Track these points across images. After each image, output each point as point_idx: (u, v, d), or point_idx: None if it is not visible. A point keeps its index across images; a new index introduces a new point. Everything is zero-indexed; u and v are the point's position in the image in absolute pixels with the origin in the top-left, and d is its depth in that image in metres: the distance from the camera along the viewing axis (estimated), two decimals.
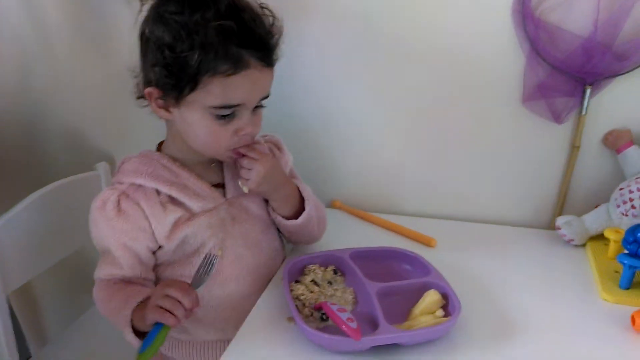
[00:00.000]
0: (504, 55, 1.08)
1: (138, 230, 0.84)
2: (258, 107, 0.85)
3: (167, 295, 0.73)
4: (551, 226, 1.15)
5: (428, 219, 1.20)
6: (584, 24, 1.02)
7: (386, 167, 1.23)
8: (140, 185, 0.85)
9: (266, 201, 0.95)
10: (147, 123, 1.15)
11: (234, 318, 0.89)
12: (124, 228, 0.83)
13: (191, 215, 0.87)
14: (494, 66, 1.09)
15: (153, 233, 0.85)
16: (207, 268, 0.80)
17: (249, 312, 0.85)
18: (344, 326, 0.72)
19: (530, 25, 1.04)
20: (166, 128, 0.91)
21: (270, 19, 0.84)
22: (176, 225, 0.85)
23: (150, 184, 0.85)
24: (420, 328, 0.77)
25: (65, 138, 1.28)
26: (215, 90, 0.78)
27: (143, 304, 0.78)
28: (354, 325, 0.72)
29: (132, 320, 0.78)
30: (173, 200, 0.86)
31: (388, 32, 1.12)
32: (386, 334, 0.74)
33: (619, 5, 0.99)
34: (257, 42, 0.79)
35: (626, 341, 0.80)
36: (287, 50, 1.12)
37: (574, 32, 1.03)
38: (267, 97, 0.85)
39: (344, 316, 0.73)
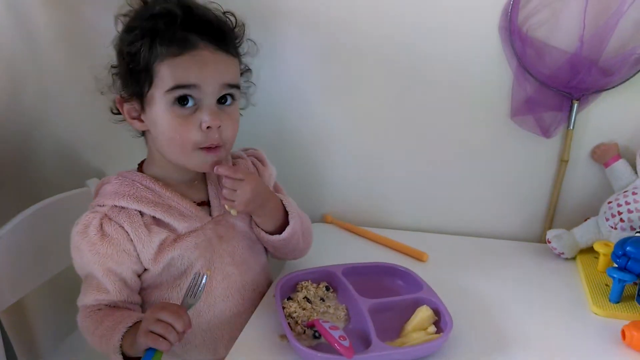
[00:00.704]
0: (491, 71, 1.09)
1: (123, 253, 0.82)
2: (226, 101, 0.83)
3: (159, 320, 0.72)
4: (541, 239, 1.16)
5: (419, 233, 1.21)
6: (570, 39, 1.04)
7: (377, 181, 1.23)
8: (122, 208, 0.83)
9: (250, 217, 0.94)
10: (139, 139, 1.15)
11: (224, 337, 0.89)
12: (108, 252, 0.81)
13: (177, 236, 0.85)
14: (482, 82, 1.10)
15: (138, 256, 0.83)
16: (197, 288, 0.79)
17: (239, 330, 0.84)
18: (336, 344, 0.72)
19: (517, 41, 1.05)
20: (147, 146, 0.90)
21: (233, 20, 0.86)
22: (162, 247, 0.84)
23: (133, 205, 0.83)
24: (412, 345, 0.77)
25: (55, 154, 1.28)
26: (166, 73, 0.79)
27: (132, 329, 0.77)
28: (346, 343, 0.72)
29: (121, 346, 0.77)
30: (157, 221, 0.85)
31: (376, 47, 1.13)
32: (378, 352, 0.74)
33: (605, 21, 1.01)
34: (204, 25, 0.81)
35: (617, 355, 0.81)
36: (273, 63, 1.13)
37: (560, 47, 1.05)
38: (232, 86, 0.83)
39: (336, 334, 0.73)
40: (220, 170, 0.84)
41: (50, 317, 1.27)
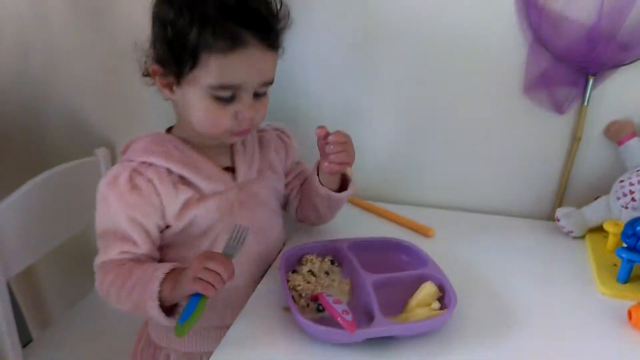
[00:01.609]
0: (506, 45, 1.06)
1: (150, 206, 0.84)
2: (261, 94, 0.85)
3: (207, 268, 0.73)
4: (551, 217, 1.14)
5: (427, 209, 1.19)
6: (588, 13, 1.00)
7: (385, 157, 1.22)
8: (151, 164, 0.85)
9: (274, 187, 0.98)
10: (148, 108, 1.15)
11: (233, 305, 0.89)
12: (137, 203, 0.83)
13: (201, 196, 0.87)
14: (496, 55, 1.07)
15: (164, 211, 0.85)
16: (238, 240, 0.80)
17: (239, 300, 0.85)
18: (339, 318, 0.72)
19: (533, 13, 1.02)
20: (174, 111, 0.91)
21: (278, 4, 0.84)
22: (186, 205, 0.86)
23: (161, 162, 0.85)
24: (416, 321, 0.77)
25: (64, 123, 1.28)
26: (213, 69, 0.79)
27: (169, 276, 0.78)
28: (349, 317, 0.72)
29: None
30: (184, 180, 0.87)
31: (387, 22, 1.10)
32: (381, 327, 0.74)
33: None
34: (257, 21, 0.79)
35: (623, 335, 0.80)
36: (296, 38, 1.11)
37: (577, 21, 1.01)
38: (270, 83, 0.85)
39: (339, 308, 0.74)
40: (324, 132, 0.88)
41: (59, 284, 1.30)
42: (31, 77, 1.20)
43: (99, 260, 0.85)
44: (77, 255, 1.28)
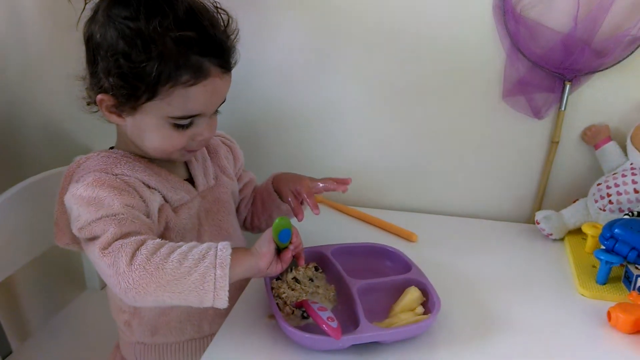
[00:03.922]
0: (484, 51, 1.08)
1: (140, 200, 0.78)
2: (215, 112, 0.83)
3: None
4: (530, 220, 1.16)
5: (409, 213, 1.21)
6: (563, 20, 1.03)
7: (366, 161, 1.23)
8: (116, 175, 0.79)
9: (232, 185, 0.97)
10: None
11: (209, 313, 0.89)
12: (127, 190, 0.77)
13: (172, 207, 0.85)
14: (475, 62, 1.10)
15: (147, 207, 0.79)
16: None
17: (216, 311, 0.80)
18: (324, 325, 0.72)
19: (510, 21, 1.04)
20: (118, 132, 0.86)
21: (225, 18, 0.81)
22: (161, 210, 0.82)
23: (129, 173, 0.80)
24: (400, 326, 0.77)
25: (42, 131, 1.26)
26: (175, 101, 0.75)
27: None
28: (334, 324, 0.72)
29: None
30: (154, 190, 0.82)
31: (365, 32, 1.12)
32: (366, 333, 0.74)
33: (598, 2, 1.00)
34: (217, 49, 0.77)
35: (603, 336, 0.82)
36: (262, 44, 1.11)
37: (553, 28, 1.04)
38: (224, 101, 0.83)
39: (324, 315, 0.73)
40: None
41: (40, 294, 1.27)
42: (7, 84, 1.18)
43: (103, 241, 0.71)
44: (57, 265, 1.26)
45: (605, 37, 1.02)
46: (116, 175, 0.79)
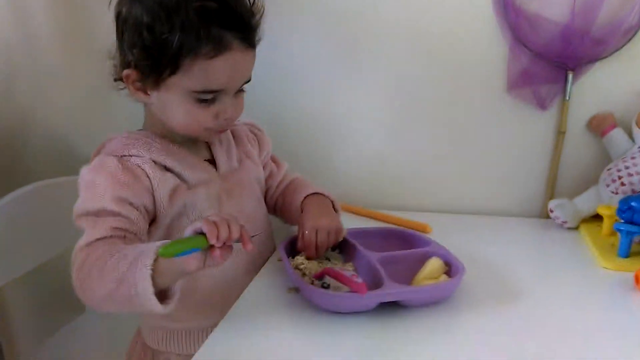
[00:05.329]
0: (487, 45, 1.11)
1: (141, 187, 0.79)
2: (240, 91, 0.84)
3: (224, 218, 0.65)
4: (542, 214, 1.15)
5: (419, 213, 1.19)
6: (561, 11, 1.06)
7: (374, 162, 1.22)
8: (132, 156, 0.81)
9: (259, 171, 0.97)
10: (134, 126, 1.14)
11: (223, 301, 0.85)
12: (129, 182, 0.77)
13: (188, 186, 0.84)
14: (478, 56, 1.12)
15: (154, 194, 0.80)
16: None
17: (238, 295, 0.81)
18: (349, 282, 0.70)
19: (511, 13, 1.08)
20: (146, 112, 0.88)
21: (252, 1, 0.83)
22: (175, 191, 0.82)
23: (144, 154, 0.81)
24: (426, 285, 0.75)
25: (50, 142, 1.27)
26: (197, 74, 0.76)
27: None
28: (359, 280, 0.70)
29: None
30: (169, 169, 0.83)
31: (370, 27, 1.14)
32: (392, 290, 0.72)
33: None
34: (239, 22, 0.78)
35: (631, 301, 0.80)
36: (275, 46, 1.14)
37: (552, 19, 1.07)
38: (249, 80, 0.84)
39: (348, 274, 0.72)
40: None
41: (31, 319, 1.23)
42: (17, 98, 1.19)
43: (83, 241, 0.74)
44: (51, 286, 1.22)
45: (603, 25, 1.05)
46: (131, 156, 0.81)
